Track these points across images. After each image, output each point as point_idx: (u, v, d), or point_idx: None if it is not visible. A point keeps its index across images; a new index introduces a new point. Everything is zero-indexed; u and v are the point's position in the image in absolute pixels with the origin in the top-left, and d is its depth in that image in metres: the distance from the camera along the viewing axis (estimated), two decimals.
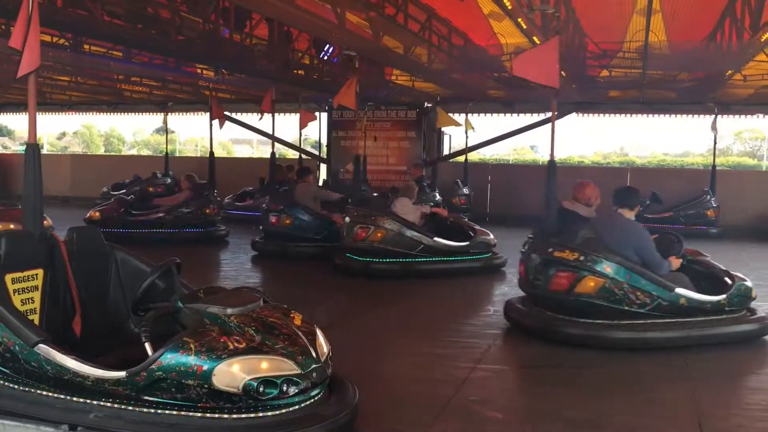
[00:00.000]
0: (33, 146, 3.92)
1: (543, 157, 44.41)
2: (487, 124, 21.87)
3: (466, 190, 15.08)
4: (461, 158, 16.52)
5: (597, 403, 4.20)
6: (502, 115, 17.09)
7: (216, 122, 13.25)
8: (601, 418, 3.94)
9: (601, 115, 16.48)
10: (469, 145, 16.06)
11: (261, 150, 50.09)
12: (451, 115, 15.96)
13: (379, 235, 8.55)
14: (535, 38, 8.24)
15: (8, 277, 3.64)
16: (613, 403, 4.23)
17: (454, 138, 19.20)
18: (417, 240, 8.58)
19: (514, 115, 16.95)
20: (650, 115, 16.27)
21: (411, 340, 5.79)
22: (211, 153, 13.30)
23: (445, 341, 5.73)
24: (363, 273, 8.48)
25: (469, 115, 15.84)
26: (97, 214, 11.30)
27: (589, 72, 11.60)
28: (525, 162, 37.18)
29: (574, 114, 16.24)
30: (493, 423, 3.88)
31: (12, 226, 6.78)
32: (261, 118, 14.05)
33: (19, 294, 3.68)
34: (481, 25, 9.45)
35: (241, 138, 54.62)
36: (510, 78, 11.35)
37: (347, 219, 8.84)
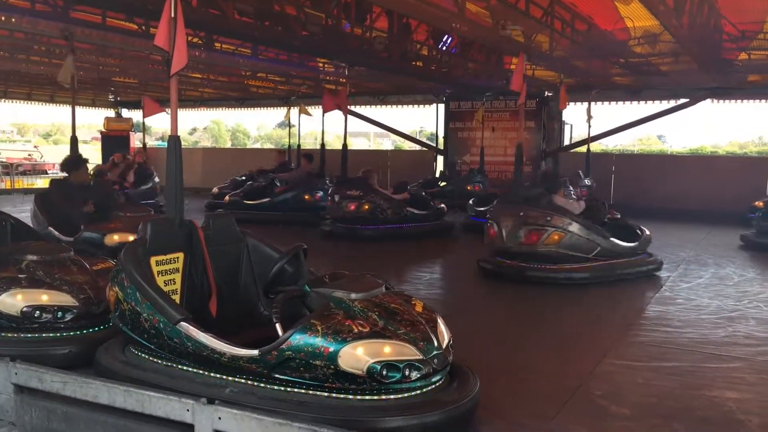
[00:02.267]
0: (175, 138, 4.21)
1: (672, 147, 42.20)
2: (610, 113, 20.96)
3: (588, 182, 14.59)
4: (583, 148, 15.99)
5: (736, 403, 3.96)
6: (627, 102, 16.34)
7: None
8: (737, 415, 3.72)
9: (739, 101, 15.37)
10: (591, 134, 15.48)
11: (378, 143, 50.83)
12: (575, 105, 15.43)
13: (555, 237, 7.45)
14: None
15: (153, 260, 3.94)
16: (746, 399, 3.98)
17: (575, 128, 18.60)
18: (593, 242, 7.53)
19: (641, 102, 16.17)
20: None
21: (534, 331, 5.70)
22: (344, 145, 12.67)
23: (570, 333, 5.59)
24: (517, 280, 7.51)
25: (593, 103, 15.25)
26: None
27: (726, 55, 10.89)
28: (651, 152, 35.41)
29: (708, 100, 15.29)
30: (620, 418, 3.75)
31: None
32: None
33: (162, 275, 3.97)
34: (607, 9, 9.10)
35: (357, 131, 55.60)
36: (638, 63, 10.88)
37: (499, 219, 7.80)
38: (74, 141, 9.15)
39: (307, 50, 10.57)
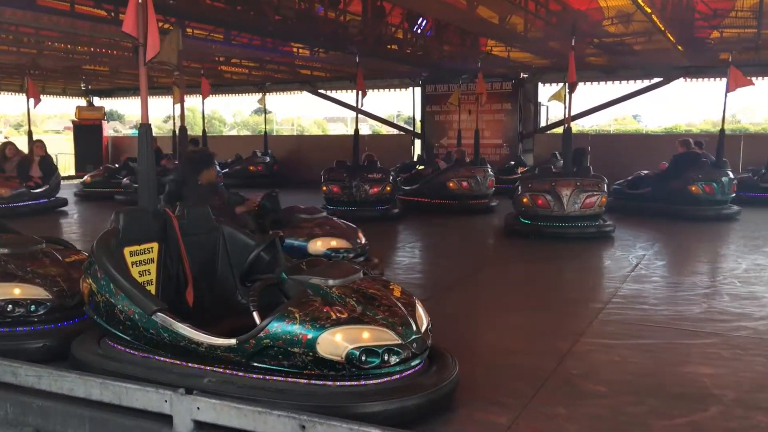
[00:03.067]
0: (145, 126, 4.15)
1: (647, 126, 42.59)
2: (586, 93, 21.05)
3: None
4: (559, 130, 16.06)
5: (711, 379, 4.03)
6: (602, 83, 16.41)
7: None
8: (712, 391, 3.79)
9: (712, 79, 15.50)
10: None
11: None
12: (551, 86, 15.48)
13: (603, 200, 9.21)
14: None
15: (126, 251, 3.89)
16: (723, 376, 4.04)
17: (551, 109, 18.67)
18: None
19: (616, 82, 16.25)
20: (766, 79, 15.15)
21: (512, 312, 5.73)
22: (356, 131, 12.00)
23: (547, 313, 5.64)
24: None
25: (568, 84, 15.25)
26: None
27: (698, 34, 10.97)
28: (627, 132, 35.69)
29: (681, 79, 15.41)
30: (597, 396, 3.79)
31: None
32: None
33: (137, 266, 3.92)
34: None
35: (335, 116, 55.40)
36: (612, 43, 10.92)
37: (557, 190, 9.07)
38: (183, 131, 8.34)
39: (281, 35, 10.46)
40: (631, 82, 16.04)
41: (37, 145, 13.12)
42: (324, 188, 11.42)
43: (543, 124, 17.89)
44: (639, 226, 10.15)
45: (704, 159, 11.23)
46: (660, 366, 4.28)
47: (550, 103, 18.14)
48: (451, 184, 11.95)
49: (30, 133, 13.85)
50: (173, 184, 6.49)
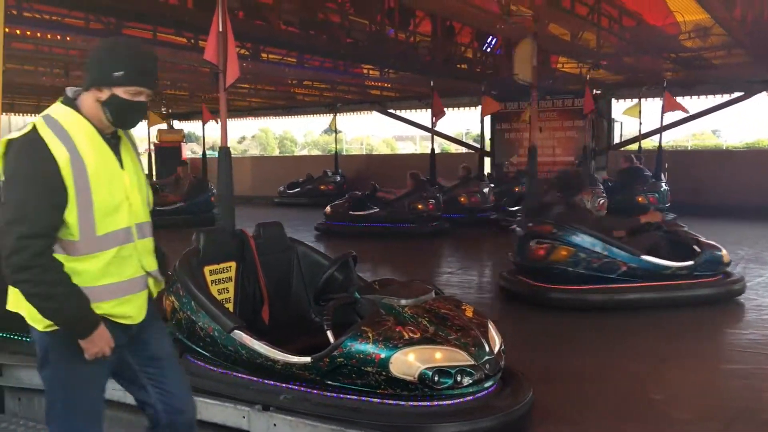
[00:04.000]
0: (225, 149, 4.30)
1: (727, 142, 40.97)
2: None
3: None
4: (634, 146, 15.65)
5: None
6: (680, 98, 15.89)
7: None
8: None
9: None
10: (643, 131, 15.11)
11: (423, 146, 50.80)
12: (624, 102, 15.16)
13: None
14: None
15: (206, 270, 4.02)
16: None
17: (625, 125, 18.21)
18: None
19: (694, 97, 15.74)
20: None
21: (588, 332, 5.59)
22: (432, 150, 13.94)
23: (623, 334, 5.48)
24: None
25: (644, 99, 14.88)
26: (329, 209, 12.18)
27: None
28: (707, 148, 34.46)
29: (763, 93, 14.79)
30: (681, 423, 3.66)
31: None
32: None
33: (216, 285, 4.05)
34: (655, 4, 8.91)
35: (404, 135, 55.66)
36: (689, 58, 10.63)
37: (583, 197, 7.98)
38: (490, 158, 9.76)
39: (352, 57, 10.65)
40: (710, 96, 15.51)
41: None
42: (420, 206, 11.54)
43: (617, 140, 17.47)
44: None
45: (646, 172, 12.58)
46: (747, 391, 4.09)
47: (624, 119, 17.73)
48: (462, 199, 12.84)
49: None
50: (554, 207, 7.01)
